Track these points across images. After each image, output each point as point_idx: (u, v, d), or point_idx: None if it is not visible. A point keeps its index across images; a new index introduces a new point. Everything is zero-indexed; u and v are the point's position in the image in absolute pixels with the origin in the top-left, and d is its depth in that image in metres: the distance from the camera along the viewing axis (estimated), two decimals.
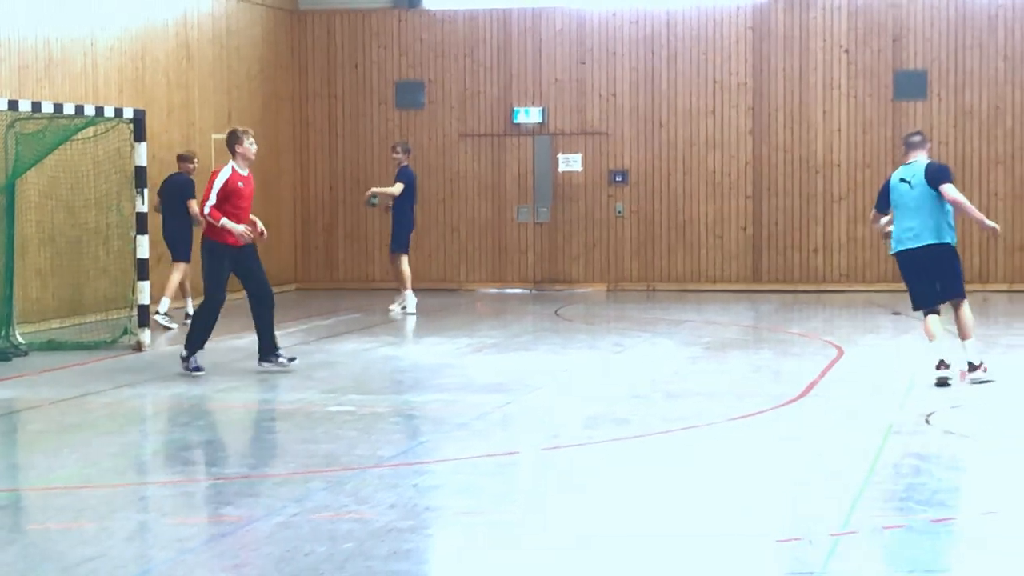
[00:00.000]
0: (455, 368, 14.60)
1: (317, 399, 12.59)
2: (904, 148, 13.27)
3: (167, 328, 18.06)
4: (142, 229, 16.26)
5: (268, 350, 14.27)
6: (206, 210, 13.79)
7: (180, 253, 18.66)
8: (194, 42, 22.05)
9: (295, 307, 21.81)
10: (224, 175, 13.84)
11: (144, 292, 16.23)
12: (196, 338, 14.05)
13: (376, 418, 11.74)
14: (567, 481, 9.50)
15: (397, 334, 18.19)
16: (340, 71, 25.00)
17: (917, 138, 13.20)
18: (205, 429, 11.39)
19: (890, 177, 13.21)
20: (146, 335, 16.17)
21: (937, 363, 12.61)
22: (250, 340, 16.93)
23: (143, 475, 10.05)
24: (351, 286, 24.63)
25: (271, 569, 7.22)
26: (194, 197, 18.10)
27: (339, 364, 14.91)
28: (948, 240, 12.81)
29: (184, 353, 14.05)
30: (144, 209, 16.26)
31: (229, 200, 13.77)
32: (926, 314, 12.91)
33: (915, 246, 12.82)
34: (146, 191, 16.28)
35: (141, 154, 16.30)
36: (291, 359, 14.27)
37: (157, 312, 18.07)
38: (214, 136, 22.50)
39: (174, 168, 18.90)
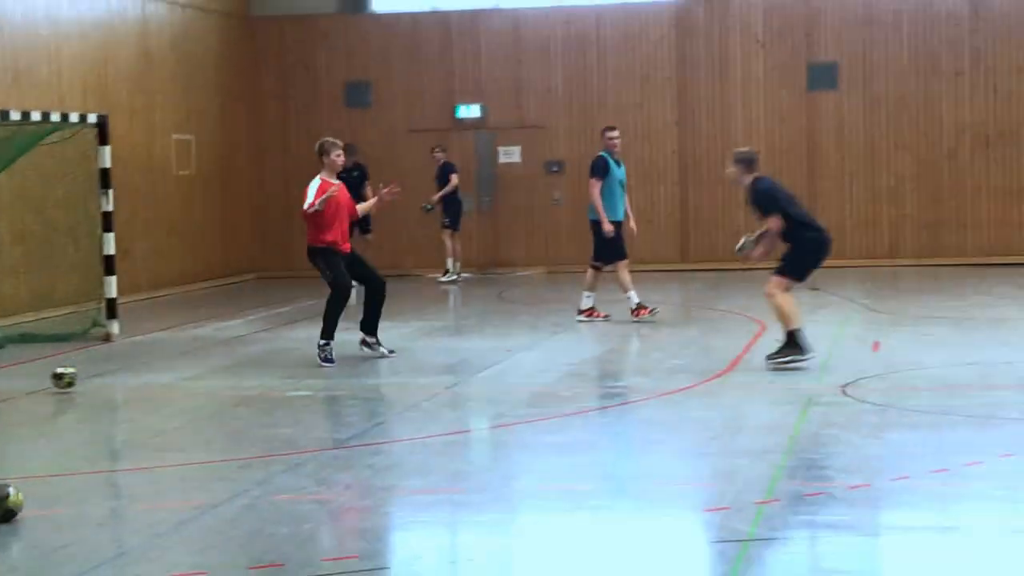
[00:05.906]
0: (407, 351, 14.57)
1: (277, 384, 12.54)
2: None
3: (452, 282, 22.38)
4: (108, 227, 16.12)
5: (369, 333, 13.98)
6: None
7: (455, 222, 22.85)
8: (154, 49, 21.86)
9: (255, 295, 21.71)
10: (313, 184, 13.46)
11: (111, 286, 16.10)
12: (330, 327, 13.67)
13: (332, 401, 11.72)
14: (514, 458, 9.51)
15: (350, 320, 18.08)
16: (291, 73, 24.87)
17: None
18: (172, 416, 11.32)
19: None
20: (114, 326, 16.04)
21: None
22: (213, 328, 16.88)
23: (114, 462, 9.99)
24: (306, 274, 24.42)
25: (237, 551, 7.19)
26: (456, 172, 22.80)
27: (297, 350, 14.83)
28: None
29: (321, 342, 13.59)
30: (109, 208, 16.11)
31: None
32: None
33: None
34: (111, 191, 16.13)
35: (105, 157, 16.15)
36: (391, 351, 13.93)
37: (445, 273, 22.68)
38: (174, 136, 22.34)
39: (135, 168, 18.96)
